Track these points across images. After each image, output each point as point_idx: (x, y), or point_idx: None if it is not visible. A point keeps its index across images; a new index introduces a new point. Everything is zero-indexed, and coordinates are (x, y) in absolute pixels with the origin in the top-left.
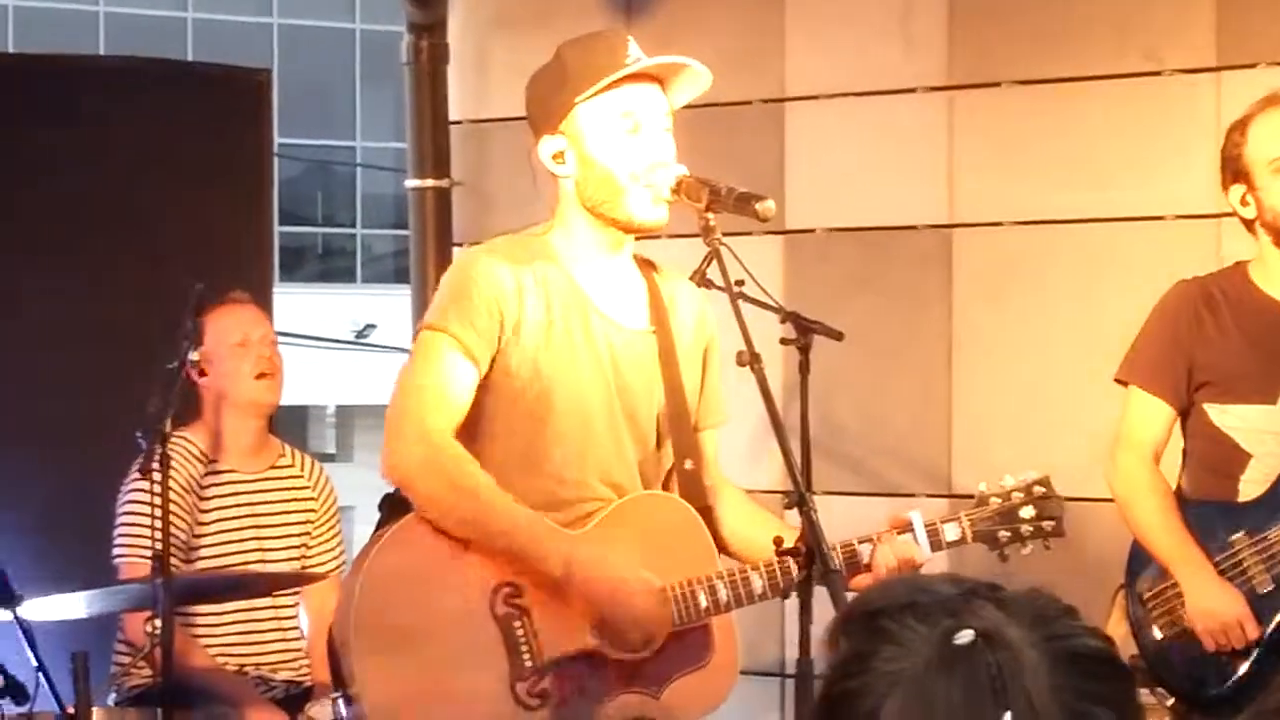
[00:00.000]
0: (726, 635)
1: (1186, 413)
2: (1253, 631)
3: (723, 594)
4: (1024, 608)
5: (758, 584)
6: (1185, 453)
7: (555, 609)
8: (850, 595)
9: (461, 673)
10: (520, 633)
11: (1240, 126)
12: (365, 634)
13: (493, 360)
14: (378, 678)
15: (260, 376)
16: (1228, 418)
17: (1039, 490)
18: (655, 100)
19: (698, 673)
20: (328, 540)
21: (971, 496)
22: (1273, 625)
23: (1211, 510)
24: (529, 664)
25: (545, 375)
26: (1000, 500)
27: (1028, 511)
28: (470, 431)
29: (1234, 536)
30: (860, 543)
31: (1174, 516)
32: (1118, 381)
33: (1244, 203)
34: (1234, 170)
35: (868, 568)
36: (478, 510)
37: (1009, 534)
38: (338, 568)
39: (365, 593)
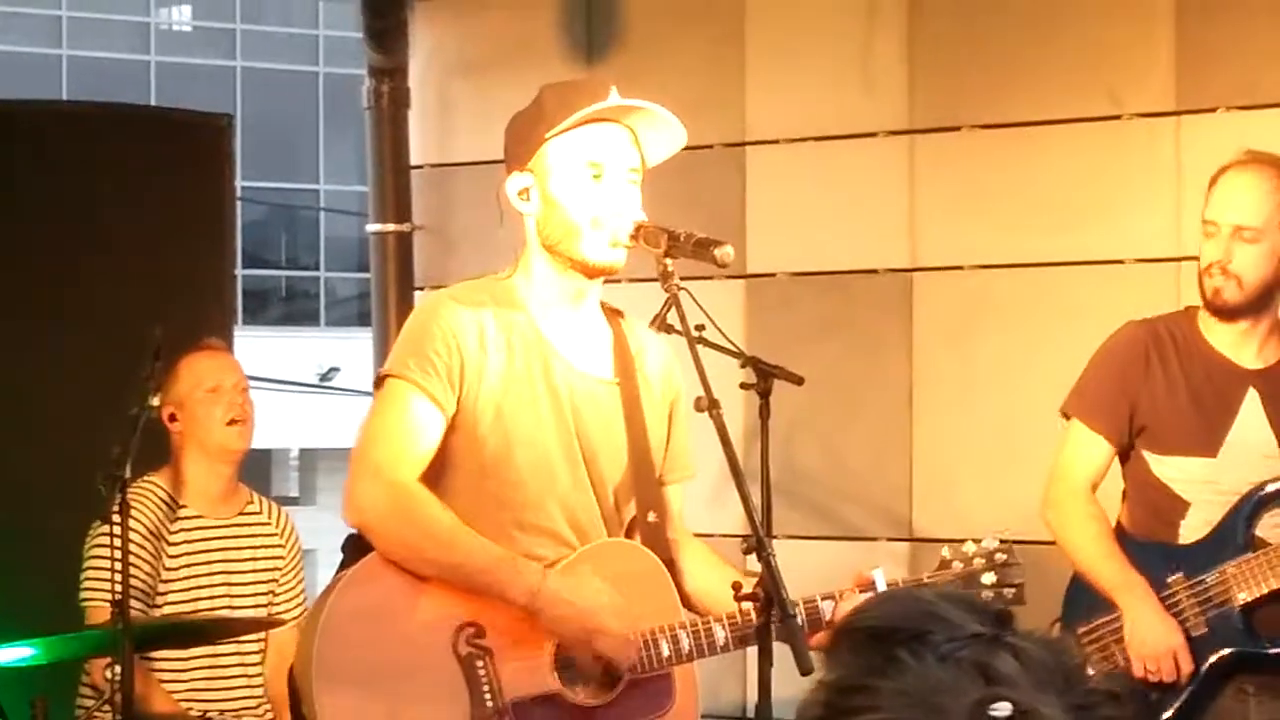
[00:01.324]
0: (687, 684)
1: (1126, 454)
2: (1186, 666)
3: (685, 643)
4: (1048, 667)
5: (720, 635)
6: (1125, 493)
7: (518, 650)
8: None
9: (423, 712)
10: (482, 673)
11: (1211, 182)
12: (326, 675)
13: (456, 405)
14: (337, 716)
15: (232, 423)
16: (1165, 468)
17: (1000, 558)
18: (624, 148)
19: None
20: (292, 587)
21: (932, 539)
22: (1205, 666)
23: (1152, 549)
24: (490, 704)
25: (507, 421)
26: (962, 564)
27: (989, 578)
28: (433, 477)
29: (1172, 578)
30: (823, 599)
31: (1113, 545)
32: (1062, 414)
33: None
34: (1202, 226)
35: (829, 624)
36: (443, 549)
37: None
38: (301, 614)
39: (326, 633)
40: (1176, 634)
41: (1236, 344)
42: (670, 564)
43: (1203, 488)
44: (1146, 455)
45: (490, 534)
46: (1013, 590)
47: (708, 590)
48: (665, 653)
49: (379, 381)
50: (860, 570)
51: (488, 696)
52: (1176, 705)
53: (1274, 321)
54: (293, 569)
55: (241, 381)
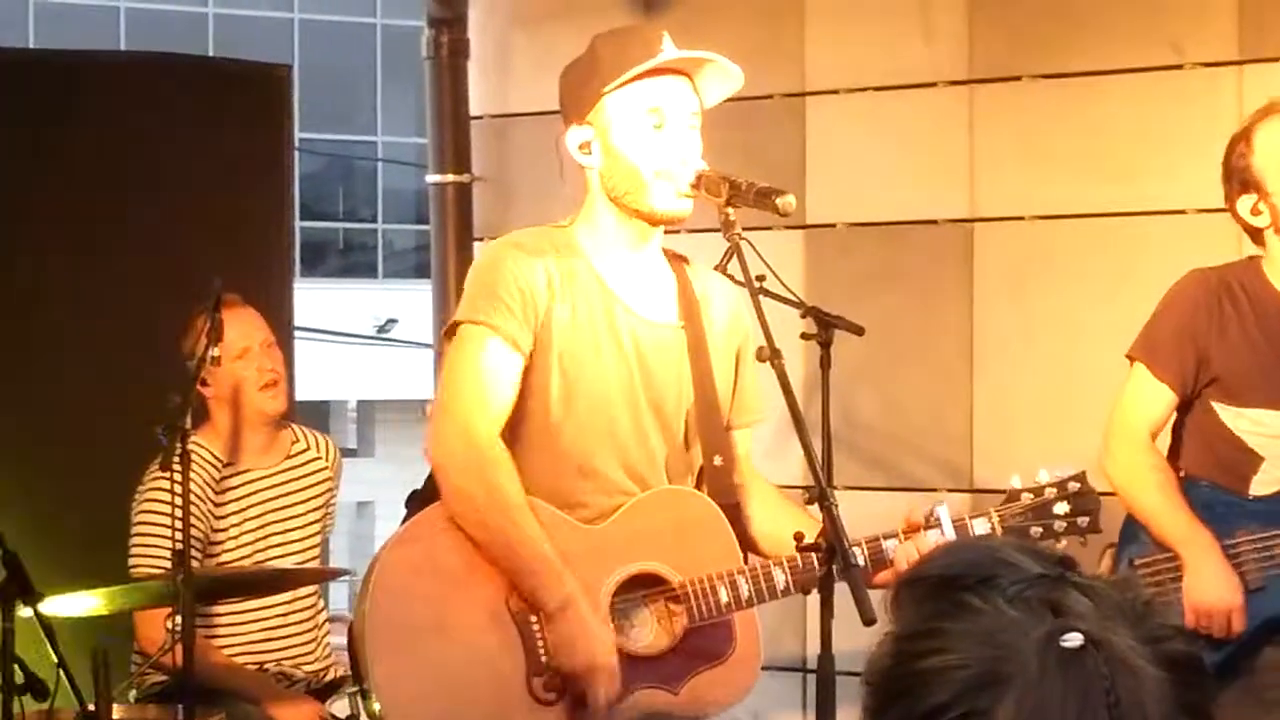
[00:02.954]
0: (749, 630)
1: (1190, 404)
2: (1239, 625)
3: (744, 589)
4: (1115, 602)
5: (780, 579)
6: (1183, 440)
7: None
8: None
9: (477, 669)
10: (536, 628)
11: (1244, 137)
12: (380, 631)
13: (533, 343)
14: (393, 675)
15: (265, 387)
16: (1242, 421)
17: (1074, 486)
18: (683, 95)
19: (718, 668)
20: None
21: (992, 491)
22: (1259, 621)
23: (1221, 499)
24: (544, 659)
25: (569, 367)
26: (1033, 495)
27: (1062, 508)
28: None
29: (1239, 529)
30: (886, 539)
31: (1177, 496)
32: (1128, 358)
33: (1255, 212)
34: (1241, 181)
35: (893, 563)
36: (505, 523)
37: (1041, 529)
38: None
39: (379, 590)
40: (1237, 594)
41: None
42: (735, 507)
43: (1278, 442)
44: (1217, 407)
45: (553, 480)
46: (1087, 519)
47: (775, 534)
48: (724, 599)
49: (449, 330)
50: (922, 506)
51: (542, 651)
52: (1223, 655)
53: None
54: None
55: (268, 337)
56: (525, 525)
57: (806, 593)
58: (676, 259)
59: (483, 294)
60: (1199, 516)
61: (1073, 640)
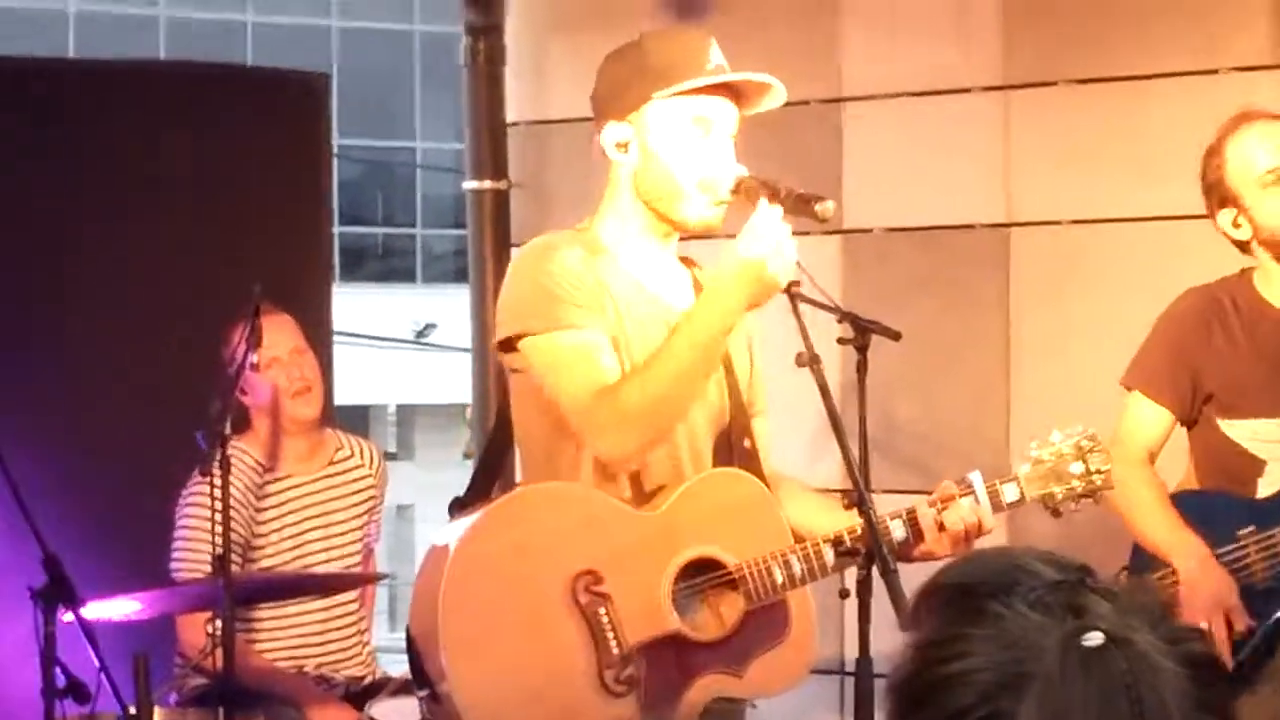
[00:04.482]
0: (803, 610)
1: (1194, 423)
2: (1239, 623)
3: (797, 568)
4: (1135, 604)
5: (830, 555)
6: (1195, 462)
7: (636, 594)
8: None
9: (551, 664)
10: (605, 620)
11: (1217, 150)
12: (453, 632)
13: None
14: (469, 674)
15: (297, 394)
16: (1238, 431)
17: (1087, 444)
18: (727, 111)
19: (777, 649)
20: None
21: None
22: (1272, 621)
23: (1224, 501)
24: (616, 651)
25: (622, 356)
26: (1052, 457)
27: (1078, 467)
28: (551, 429)
29: (1243, 530)
30: (925, 507)
31: (1166, 509)
32: (1123, 385)
33: (1236, 225)
34: (1219, 195)
35: (939, 527)
36: (660, 377)
37: (1063, 491)
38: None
39: (450, 591)
40: (1231, 593)
41: None
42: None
43: (1277, 447)
44: (1218, 421)
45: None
46: (1101, 476)
47: (802, 521)
48: (779, 579)
49: (512, 344)
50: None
51: (613, 643)
52: (1240, 658)
53: None
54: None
55: (299, 344)
56: (658, 354)
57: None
58: (685, 261)
59: (544, 301)
60: (1203, 521)
61: (1094, 639)
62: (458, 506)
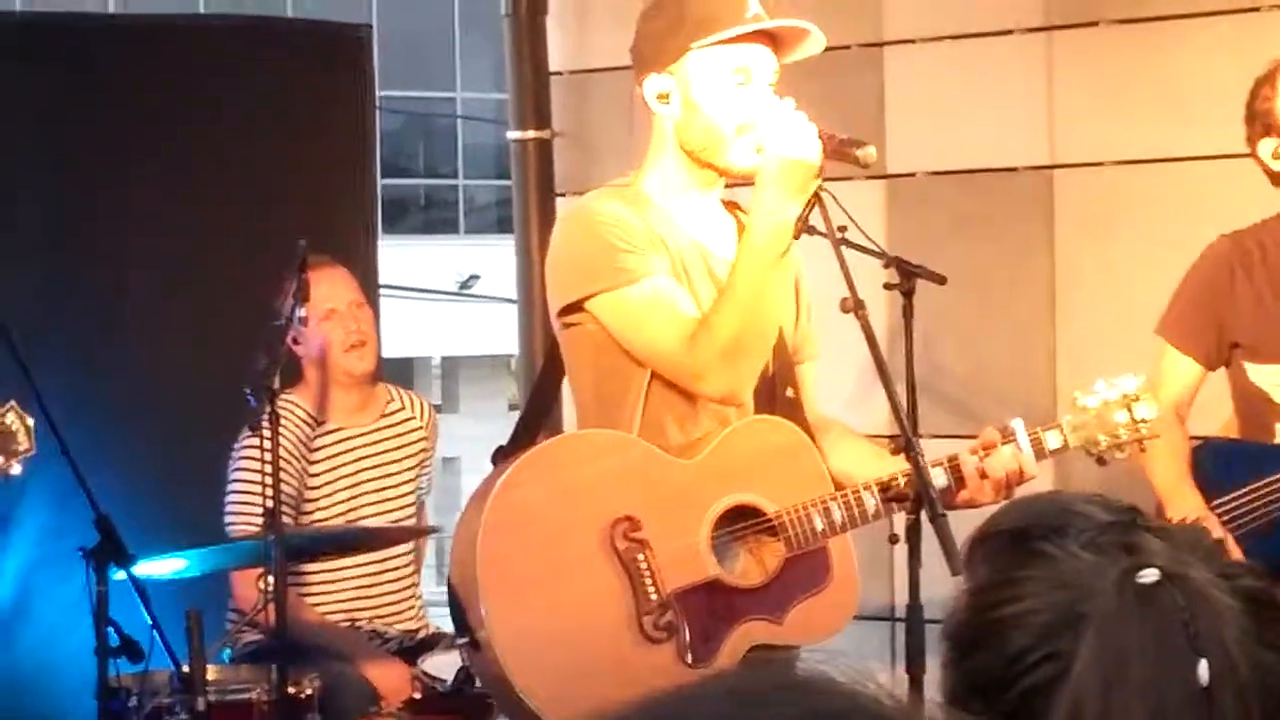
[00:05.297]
0: (845, 557)
1: (1227, 365)
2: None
3: (837, 515)
4: (1188, 542)
5: (870, 502)
6: (1232, 401)
7: (674, 540)
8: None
9: (589, 610)
10: (644, 566)
11: (1269, 80)
12: (491, 579)
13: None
14: (507, 621)
15: (352, 348)
16: (1261, 375)
17: (1133, 394)
18: (767, 59)
19: (818, 596)
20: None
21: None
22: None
23: (1247, 448)
24: (654, 597)
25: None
26: (1097, 405)
27: (1123, 416)
28: (609, 374)
29: (1258, 475)
30: (967, 455)
31: (1175, 461)
32: (1157, 334)
33: (1276, 156)
34: (1265, 124)
35: (981, 475)
36: (743, 302)
37: (1107, 440)
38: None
39: (486, 538)
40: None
41: None
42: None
43: None
44: (1245, 365)
45: (670, 409)
46: (1147, 426)
47: (848, 470)
48: (819, 526)
49: (578, 306)
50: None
51: (651, 589)
52: None
53: None
54: (431, 458)
55: (357, 298)
56: (722, 297)
57: (898, 511)
58: (730, 205)
59: (604, 258)
60: (1223, 469)
61: (1149, 576)
62: (501, 457)
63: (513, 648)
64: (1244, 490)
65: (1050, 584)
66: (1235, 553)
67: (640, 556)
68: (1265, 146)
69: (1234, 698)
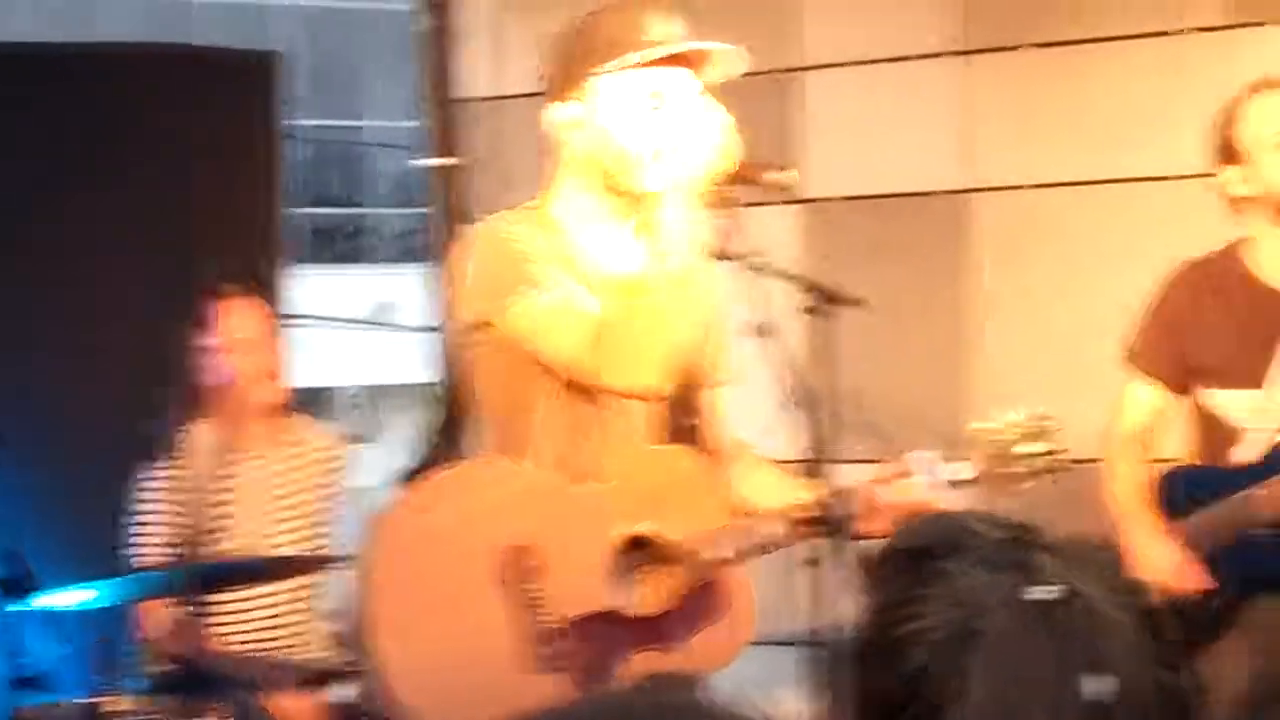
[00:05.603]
0: (743, 589)
1: (1185, 391)
2: (1197, 581)
3: (739, 545)
4: (1083, 559)
5: (773, 533)
6: (1188, 424)
7: (570, 569)
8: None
9: (482, 639)
10: (537, 595)
11: (1234, 107)
12: (384, 607)
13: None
14: (400, 649)
15: (259, 379)
16: (1220, 401)
17: (1043, 425)
18: (682, 81)
19: (715, 626)
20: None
21: None
22: (1234, 581)
23: (1200, 473)
24: (548, 626)
25: None
26: (1005, 438)
27: (1031, 447)
28: (519, 395)
29: (1219, 496)
30: (865, 485)
31: (1133, 488)
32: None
33: (1238, 184)
34: (1229, 151)
35: (886, 506)
36: (635, 311)
37: (1015, 471)
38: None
39: (379, 565)
40: (1175, 555)
41: None
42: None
43: (1253, 418)
44: (1205, 391)
45: (569, 436)
46: (1057, 458)
47: (757, 498)
48: (718, 556)
49: (475, 328)
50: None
51: (545, 618)
52: (1208, 614)
53: None
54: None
55: (265, 327)
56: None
57: (800, 541)
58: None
59: (506, 270)
60: (1187, 493)
61: (1043, 594)
62: (405, 480)
63: (405, 675)
64: (1204, 512)
65: (946, 602)
66: (1192, 577)
67: (535, 585)
68: (1228, 173)
69: (1127, 712)
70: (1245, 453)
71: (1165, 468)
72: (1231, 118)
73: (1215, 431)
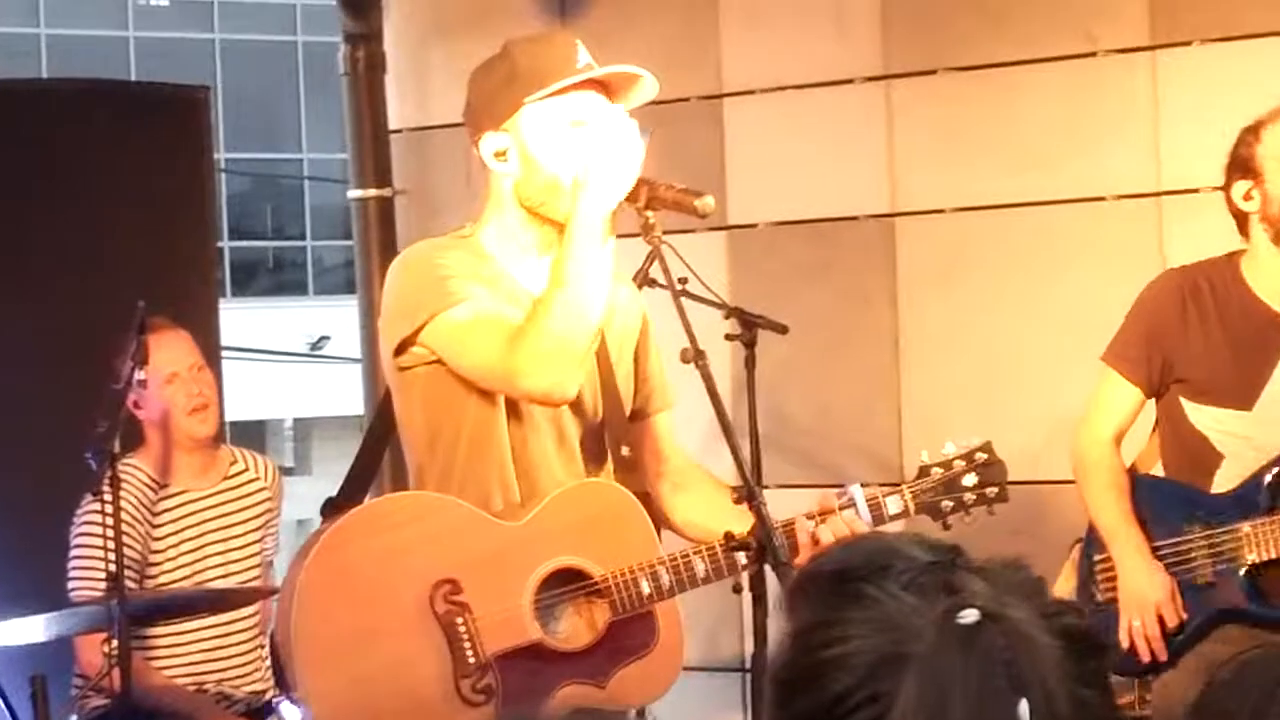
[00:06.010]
0: (671, 622)
1: (1161, 396)
2: (1172, 620)
3: (665, 579)
4: (1009, 581)
5: (700, 568)
6: (1161, 440)
7: (496, 603)
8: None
9: (405, 673)
10: (462, 629)
11: (1255, 129)
12: (306, 640)
13: None
14: (321, 684)
15: (193, 411)
16: (1202, 417)
17: (981, 457)
18: (603, 108)
19: (642, 660)
20: (274, 535)
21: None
22: (1203, 617)
23: (1180, 492)
24: (472, 660)
25: None
26: (942, 470)
27: (970, 479)
28: (442, 418)
29: (1190, 525)
30: (804, 519)
31: (1119, 495)
32: (1102, 360)
33: (1247, 197)
34: (1243, 168)
35: (815, 541)
36: (559, 300)
37: (952, 503)
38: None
39: (304, 598)
40: (1161, 589)
41: None
42: (645, 497)
43: (1238, 441)
44: (1183, 401)
45: (489, 471)
46: (995, 490)
47: (703, 523)
48: (646, 590)
49: (404, 346)
50: (838, 488)
51: (470, 652)
52: (1172, 649)
53: None
54: (277, 518)
55: (198, 360)
56: (538, 301)
57: (728, 577)
58: None
59: (430, 286)
60: (1155, 508)
61: (969, 616)
62: (330, 509)
63: (328, 709)
64: (1190, 537)
65: (872, 625)
66: (1170, 606)
67: (460, 619)
68: (1239, 188)
69: None
70: (1226, 478)
71: (1135, 475)
72: (1256, 135)
73: (1193, 445)
